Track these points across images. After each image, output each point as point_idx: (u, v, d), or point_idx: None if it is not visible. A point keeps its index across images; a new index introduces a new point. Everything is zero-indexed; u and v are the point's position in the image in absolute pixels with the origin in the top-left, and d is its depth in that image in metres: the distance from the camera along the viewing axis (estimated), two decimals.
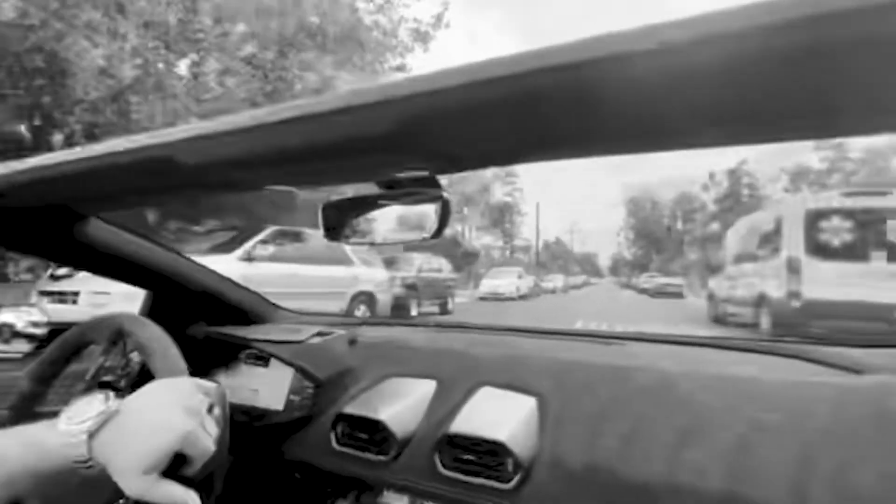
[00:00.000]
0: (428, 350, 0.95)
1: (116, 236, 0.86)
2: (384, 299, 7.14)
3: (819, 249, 5.53)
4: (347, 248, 6.57)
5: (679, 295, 22.63)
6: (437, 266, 11.02)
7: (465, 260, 29.81)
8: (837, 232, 5.49)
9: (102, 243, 0.84)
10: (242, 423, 0.89)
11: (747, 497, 0.55)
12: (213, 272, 1.08)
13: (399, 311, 8.06)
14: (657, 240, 52.59)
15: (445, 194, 0.50)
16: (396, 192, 0.52)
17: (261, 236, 5.69)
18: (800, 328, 5.37)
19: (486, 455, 0.68)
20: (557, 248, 65.90)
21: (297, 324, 1.14)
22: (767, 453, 0.58)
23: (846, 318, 5.10)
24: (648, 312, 13.87)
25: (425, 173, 0.48)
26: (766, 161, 43.41)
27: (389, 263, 8.58)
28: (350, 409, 0.81)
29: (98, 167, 0.52)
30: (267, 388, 0.94)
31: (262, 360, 0.98)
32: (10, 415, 0.72)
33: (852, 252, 5.38)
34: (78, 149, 0.54)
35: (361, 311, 6.72)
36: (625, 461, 0.62)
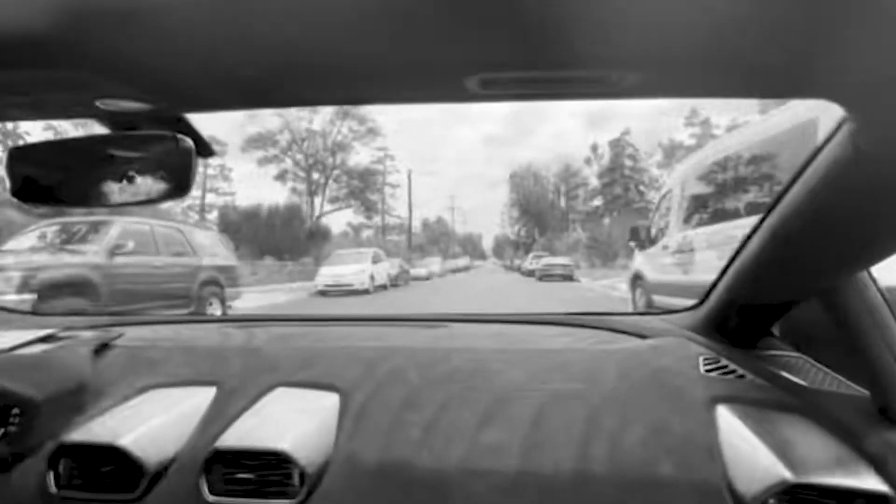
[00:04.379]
0: (209, 350, 0.87)
1: None
2: None
3: None
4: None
5: (570, 277, 20.79)
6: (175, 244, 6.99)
7: (311, 241, 25.19)
8: None
9: None
10: None
11: (537, 472, 0.61)
12: None
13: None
14: (541, 217, 53.07)
15: (186, 141, 0.44)
16: (125, 133, 0.44)
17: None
18: None
19: (266, 470, 0.64)
20: (438, 228, 63.94)
21: (23, 328, 0.94)
22: (559, 423, 0.65)
23: None
24: (538, 305, 11.57)
25: (146, 106, 0.41)
26: (643, 135, 45.64)
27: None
28: (77, 438, 0.69)
29: None
30: None
31: None
32: None
33: None
34: None
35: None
36: (424, 452, 0.64)
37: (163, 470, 0.68)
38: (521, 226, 59.84)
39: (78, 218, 6.85)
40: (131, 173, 0.46)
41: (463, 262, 50.74)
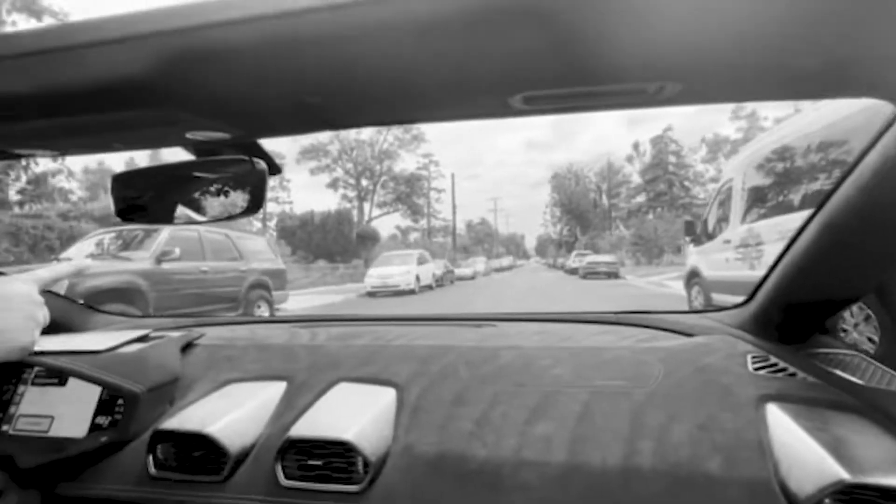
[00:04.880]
0: (280, 348, 0.91)
1: None
2: None
3: None
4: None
5: (615, 275, 19.68)
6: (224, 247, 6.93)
7: (361, 245, 25.23)
8: None
9: None
10: (22, 461, 0.76)
11: (585, 463, 0.61)
12: None
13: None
14: (583, 216, 51.39)
15: (260, 164, 0.48)
16: (207, 159, 0.50)
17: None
18: None
19: (333, 458, 0.66)
20: (482, 229, 63.19)
21: (122, 329, 1.06)
22: (605, 418, 0.65)
23: None
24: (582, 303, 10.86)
25: (225, 136, 0.46)
26: (686, 132, 43.16)
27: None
28: (170, 426, 0.73)
29: None
30: (65, 412, 0.78)
31: (57, 377, 0.81)
32: None
33: None
34: None
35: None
36: (476, 443, 0.65)
37: (244, 456, 0.72)
38: (563, 225, 58.27)
39: (132, 226, 6.83)
40: (213, 193, 0.51)
41: (506, 261, 49.86)
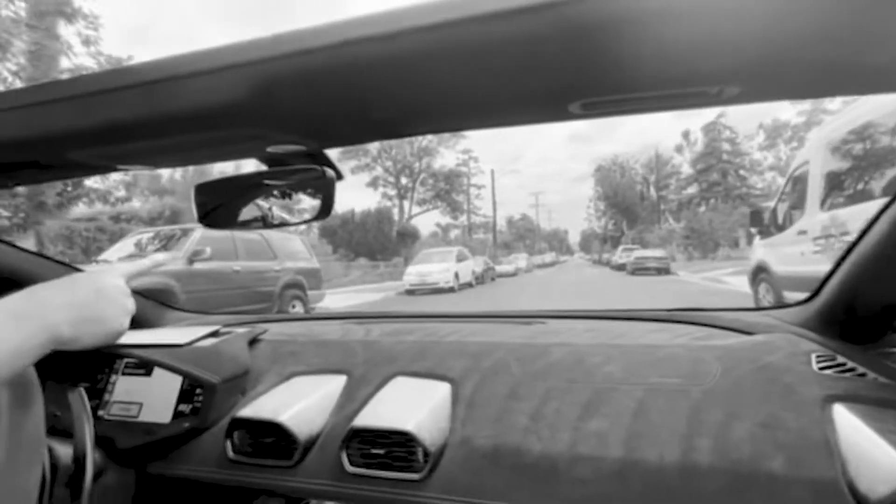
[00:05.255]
0: (338, 344, 0.94)
1: None
2: None
3: None
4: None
5: (665, 270, 18.60)
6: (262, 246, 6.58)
7: (401, 243, 25.17)
8: None
9: None
10: (120, 442, 0.82)
11: (643, 461, 0.61)
12: (59, 263, 0.98)
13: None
14: (629, 209, 49.43)
15: (329, 171, 0.52)
16: (279, 169, 0.53)
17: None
18: None
19: (394, 447, 0.69)
20: (523, 225, 62.09)
21: (192, 325, 1.13)
22: (660, 415, 0.64)
23: None
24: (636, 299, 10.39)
25: (301, 148, 0.50)
26: (741, 119, 40.46)
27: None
28: (246, 414, 0.78)
29: None
30: (151, 400, 0.85)
31: (144, 368, 0.89)
32: None
33: None
34: None
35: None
36: (531, 437, 0.66)
37: (311, 443, 0.75)
38: (608, 219, 56.34)
39: (169, 227, 6.84)
40: (286, 199, 0.55)
41: (549, 257, 48.70)
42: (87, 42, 9.35)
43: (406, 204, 36.09)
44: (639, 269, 19.58)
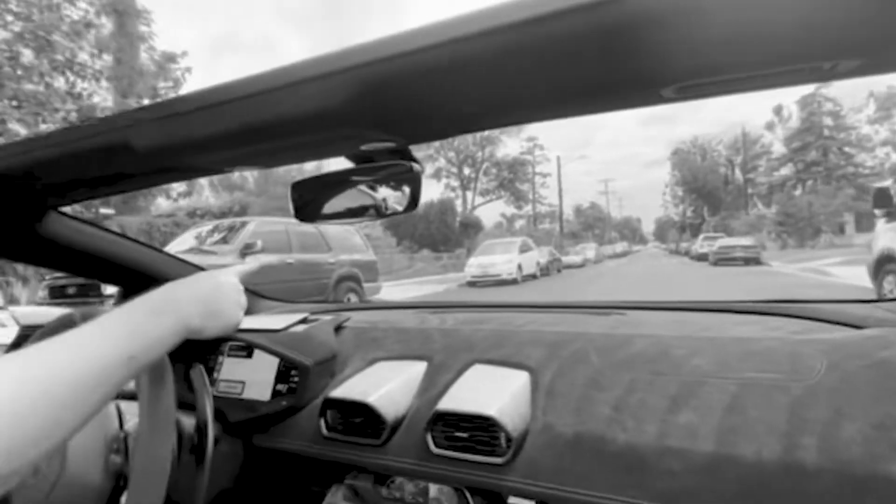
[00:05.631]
0: (417, 331, 0.97)
1: (79, 231, 0.86)
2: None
3: None
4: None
5: (755, 261, 16.82)
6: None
7: (463, 234, 24.82)
8: None
9: (65, 238, 0.83)
10: (230, 416, 0.91)
11: (738, 456, 0.58)
12: (185, 263, 1.09)
13: None
14: (712, 194, 45.69)
15: (416, 166, 0.54)
16: (367, 166, 0.56)
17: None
18: None
19: (477, 431, 0.70)
20: (592, 214, 59.48)
21: (281, 312, 1.19)
22: (759, 412, 0.61)
23: None
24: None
25: (391, 144, 0.52)
26: (846, 90, 35.65)
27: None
28: (337, 395, 0.82)
29: (53, 155, 0.56)
30: (252, 379, 0.94)
31: (245, 350, 0.98)
32: None
33: None
34: (27, 137, 0.70)
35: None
36: (615, 427, 0.65)
37: (397, 424, 0.77)
38: (686, 206, 52.51)
39: (229, 220, 6.91)
40: (375, 193, 0.57)
41: (620, 247, 46.26)
42: (140, 38, 9.81)
43: (469, 194, 35.70)
44: (723, 260, 17.80)
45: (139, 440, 0.62)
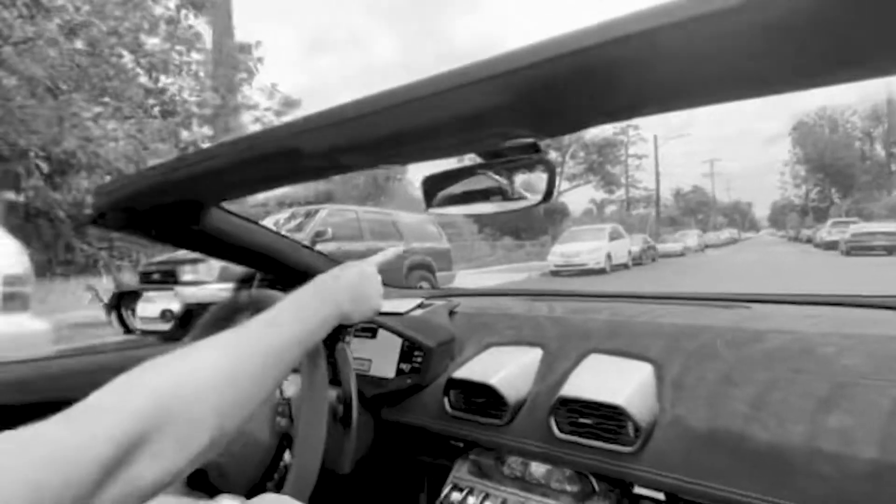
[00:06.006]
0: (527, 318, 0.99)
1: (236, 225, 0.96)
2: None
3: None
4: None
5: None
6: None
7: (548, 220, 23.81)
8: None
9: (224, 231, 0.94)
10: (363, 391, 0.97)
11: None
12: (310, 249, 1.16)
13: None
14: (842, 173, 39.61)
15: (550, 157, 0.55)
16: (497, 161, 0.57)
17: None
18: None
19: (602, 419, 0.70)
20: (695, 197, 54.51)
21: (395, 297, 1.23)
22: None
23: None
24: None
25: (531, 140, 0.53)
26: None
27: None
28: (460, 375, 0.86)
29: (225, 164, 0.63)
30: (377, 357, 1.02)
31: (370, 331, 1.06)
32: None
33: None
34: (206, 147, 0.78)
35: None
36: (755, 425, 0.63)
37: (519, 407, 0.80)
38: (810, 187, 46.12)
39: (304, 208, 6.98)
40: (508, 186, 0.58)
41: (726, 234, 41.79)
42: (227, 32, 10.22)
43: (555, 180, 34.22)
44: (858, 249, 15.11)
45: (301, 406, 0.68)
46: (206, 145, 8.09)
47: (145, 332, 1.22)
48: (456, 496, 0.84)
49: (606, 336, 0.84)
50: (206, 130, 8.36)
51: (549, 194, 0.56)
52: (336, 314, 0.59)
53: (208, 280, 4.83)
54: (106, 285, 6.72)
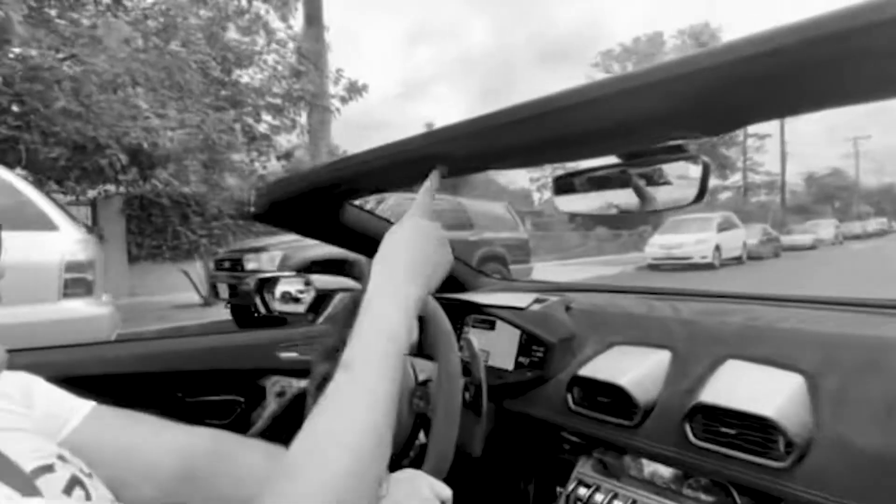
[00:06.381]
0: (650, 318, 0.96)
1: (365, 219, 1.08)
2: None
3: None
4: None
5: None
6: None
7: None
8: None
9: (355, 225, 1.06)
10: (491, 382, 0.94)
11: None
12: None
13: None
14: None
15: (704, 157, 0.53)
16: (640, 161, 0.56)
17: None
18: None
19: (747, 430, 0.67)
20: (832, 182, 46.93)
21: (504, 290, 1.28)
22: None
23: None
24: None
25: (684, 140, 0.53)
26: None
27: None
28: (586, 373, 0.86)
29: (363, 170, 0.72)
30: (496, 349, 1.04)
31: (488, 323, 1.09)
32: (320, 358, 0.91)
33: None
34: (354, 153, 0.74)
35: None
36: None
37: (650, 409, 0.78)
38: None
39: (377, 195, 6.83)
40: (654, 188, 0.56)
41: (873, 224, 35.30)
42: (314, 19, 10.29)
43: None
44: None
45: (438, 390, 0.73)
46: (274, 136, 8.47)
47: (282, 314, 1.31)
48: (583, 491, 0.85)
49: (746, 342, 0.79)
50: (273, 121, 8.57)
51: (702, 193, 0.53)
52: (424, 288, 0.56)
53: (270, 269, 4.81)
54: (199, 270, 7.14)
